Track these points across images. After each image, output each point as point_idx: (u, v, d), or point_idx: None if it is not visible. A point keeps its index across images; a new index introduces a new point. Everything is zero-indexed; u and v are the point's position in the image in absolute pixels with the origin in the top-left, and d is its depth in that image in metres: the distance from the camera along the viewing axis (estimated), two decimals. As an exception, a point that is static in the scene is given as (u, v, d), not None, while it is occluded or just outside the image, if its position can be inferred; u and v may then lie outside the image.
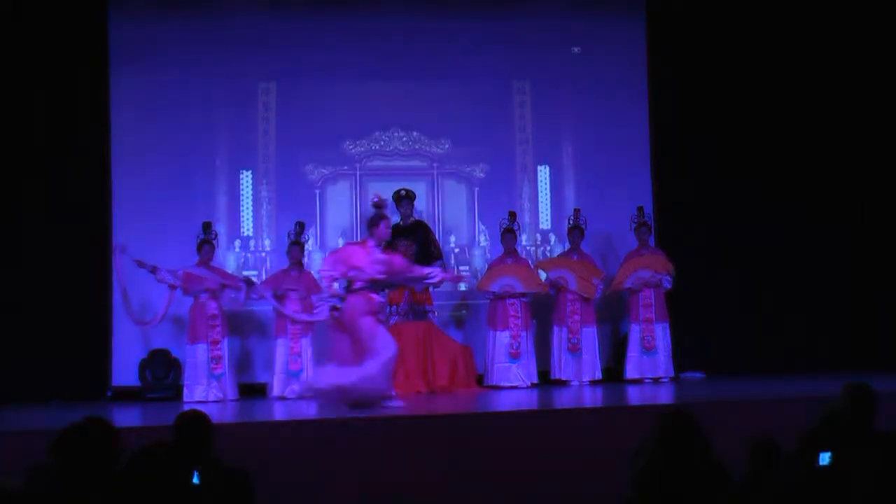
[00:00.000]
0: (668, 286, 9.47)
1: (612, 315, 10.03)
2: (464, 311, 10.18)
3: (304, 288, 9.07)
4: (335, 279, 7.54)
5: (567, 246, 9.75)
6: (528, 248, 10.26)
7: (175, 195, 9.73)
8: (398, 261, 7.56)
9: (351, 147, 10.18)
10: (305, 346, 9.00)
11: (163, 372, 9.32)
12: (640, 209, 9.64)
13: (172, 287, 8.84)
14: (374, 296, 7.42)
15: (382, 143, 10.24)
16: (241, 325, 9.55)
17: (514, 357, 9.25)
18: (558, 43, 10.39)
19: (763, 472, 3.63)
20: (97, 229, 9.54)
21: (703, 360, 9.88)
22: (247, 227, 9.99)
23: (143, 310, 9.10)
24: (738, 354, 9.93)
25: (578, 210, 9.71)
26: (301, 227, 9.24)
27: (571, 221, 9.67)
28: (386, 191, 9.85)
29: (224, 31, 9.94)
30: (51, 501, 2.87)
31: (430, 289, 9.35)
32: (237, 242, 9.95)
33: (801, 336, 10.01)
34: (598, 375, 9.43)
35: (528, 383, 9.20)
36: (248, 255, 9.97)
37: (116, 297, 9.36)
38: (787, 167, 10.26)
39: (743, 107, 10.26)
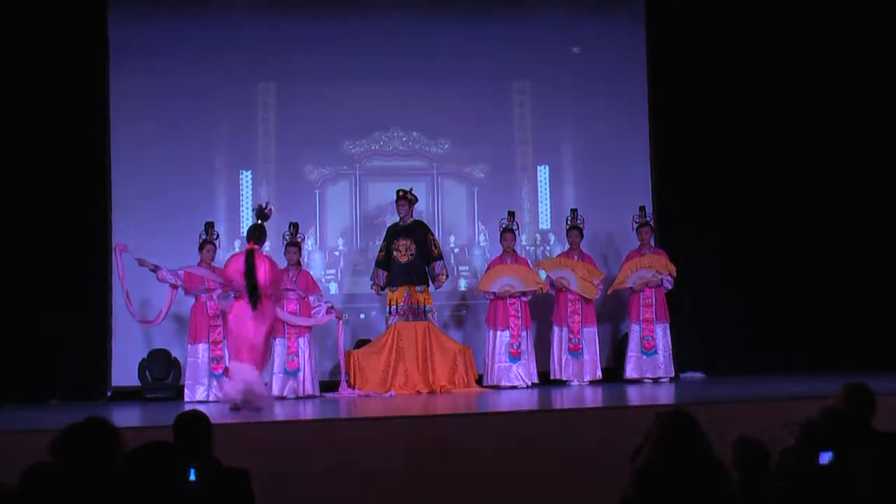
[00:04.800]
0: (669, 286, 9.47)
1: (612, 315, 10.03)
2: (464, 311, 10.18)
3: (302, 288, 9.07)
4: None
5: (567, 246, 9.75)
6: (527, 247, 10.25)
7: (175, 195, 9.73)
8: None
9: (351, 147, 10.18)
10: (303, 346, 9.00)
11: (163, 372, 9.33)
12: (642, 209, 9.64)
13: (174, 287, 8.84)
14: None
15: (382, 143, 10.24)
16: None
17: (515, 357, 9.26)
18: (558, 43, 10.39)
19: (752, 475, 3.63)
20: (97, 229, 9.54)
21: (703, 360, 9.88)
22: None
23: (145, 309, 9.10)
24: (738, 354, 9.93)
25: (576, 210, 9.70)
26: (295, 228, 9.23)
27: (569, 222, 9.66)
28: (386, 191, 9.89)
29: (224, 32, 9.95)
30: (50, 501, 2.87)
31: (431, 289, 9.38)
32: (237, 242, 9.94)
33: (800, 336, 10.00)
34: (599, 375, 9.43)
35: (528, 383, 9.20)
36: (248, 255, 9.95)
37: (116, 297, 9.36)
38: (788, 166, 10.26)
39: (743, 106, 10.26)
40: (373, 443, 6.40)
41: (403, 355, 9.03)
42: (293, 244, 9.17)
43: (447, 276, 9.52)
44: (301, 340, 9.01)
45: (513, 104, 10.41)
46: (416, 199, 9.50)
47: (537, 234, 10.36)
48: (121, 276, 8.72)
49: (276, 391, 8.91)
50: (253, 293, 7.73)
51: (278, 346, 8.98)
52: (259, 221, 8.15)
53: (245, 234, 8.40)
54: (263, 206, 8.29)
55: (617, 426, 6.40)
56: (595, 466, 6.09)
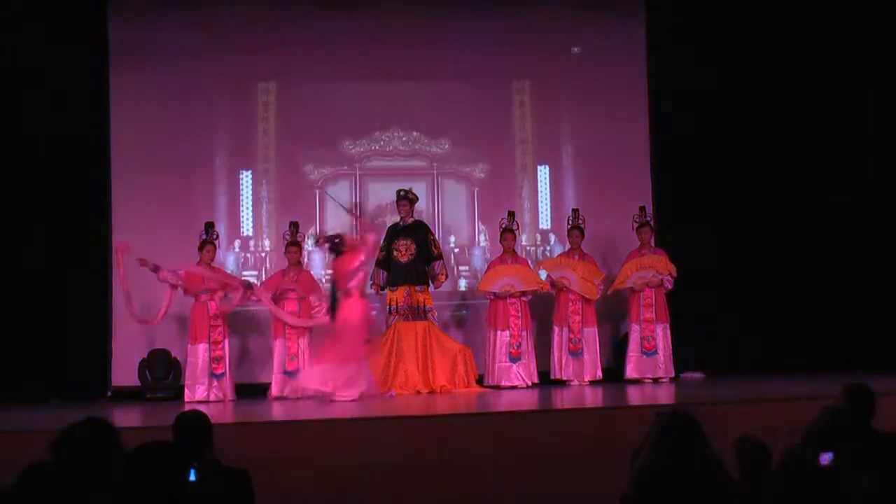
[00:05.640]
0: (669, 286, 9.47)
1: (613, 315, 10.02)
2: (464, 311, 10.18)
3: (303, 289, 9.06)
4: None
5: (567, 246, 9.75)
6: (527, 248, 10.25)
7: (175, 195, 9.73)
8: None
9: (351, 147, 10.18)
10: (303, 347, 8.99)
11: (163, 372, 9.32)
12: (643, 209, 9.64)
13: (174, 287, 8.84)
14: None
15: (382, 143, 10.24)
16: (240, 326, 9.55)
17: (515, 357, 9.25)
18: (558, 43, 10.39)
19: (753, 475, 3.64)
20: (97, 229, 9.54)
21: (703, 360, 9.87)
22: (247, 227, 9.99)
23: (144, 309, 9.09)
24: (738, 354, 9.93)
25: (577, 210, 9.71)
26: (295, 228, 9.23)
27: (570, 222, 9.66)
28: (386, 191, 9.89)
29: (224, 31, 9.94)
30: (49, 501, 2.87)
31: (431, 289, 9.37)
32: (237, 242, 9.95)
33: (801, 336, 10.00)
34: (599, 375, 9.43)
35: (529, 383, 9.20)
36: (248, 255, 9.97)
37: (116, 297, 9.37)
38: (788, 166, 10.26)
39: (743, 106, 10.26)
40: (373, 443, 6.39)
41: (403, 355, 9.03)
42: (293, 244, 9.16)
43: (447, 276, 9.53)
44: (301, 341, 9.00)
45: (513, 104, 10.40)
46: (417, 199, 9.51)
47: (537, 234, 10.35)
48: (122, 276, 8.73)
49: (275, 391, 8.92)
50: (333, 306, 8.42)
51: (278, 347, 9.00)
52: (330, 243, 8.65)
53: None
54: (329, 237, 8.75)
55: (617, 426, 6.40)
56: (595, 466, 6.09)
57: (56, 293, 9.28)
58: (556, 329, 9.49)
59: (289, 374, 8.93)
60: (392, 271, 9.30)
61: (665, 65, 10.34)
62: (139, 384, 9.29)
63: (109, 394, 9.47)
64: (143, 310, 9.03)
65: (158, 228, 9.53)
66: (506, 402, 8.23)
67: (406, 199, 9.40)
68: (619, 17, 10.46)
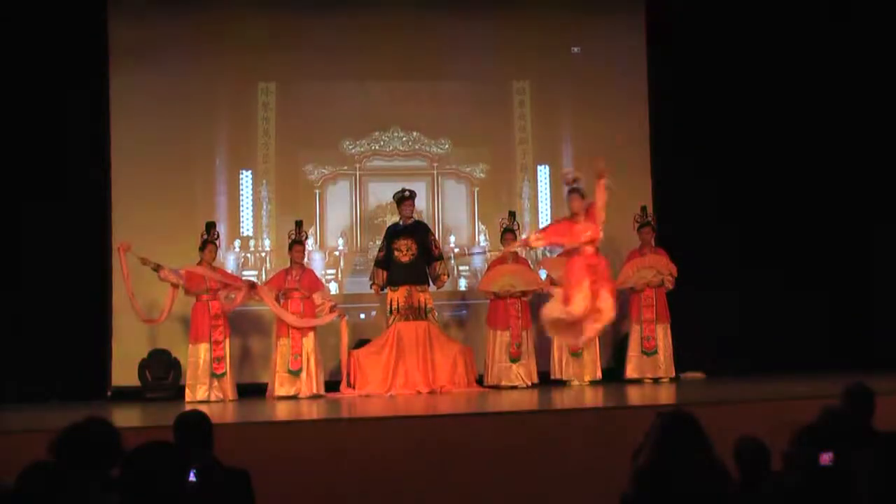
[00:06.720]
0: (671, 286, 9.47)
1: (613, 315, 10.00)
2: (464, 311, 10.18)
3: (306, 288, 9.06)
4: None
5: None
6: (528, 247, 10.24)
7: (175, 195, 9.73)
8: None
9: (351, 147, 10.18)
10: (307, 346, 8.98)
11: (163, 372, 9.32)
12: (644, 209, 9.64)
13: (175, 286, 8.84)
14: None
15: (382, 143, 10.24)
16: (241, 325, 9.55)
17: (515, 357, 9.25)
18: (558, 43, 10.39)
19: (753, 475, 3.64)
20: (97, 229, 9.54)
21: (703, 360, 9.87)
22: (247, 227, 9.99)
23: (147, 308, 9.09)
24: (738, 354, 9.92)
25: (577, 211, 9.70)
26: (300, 226, 9.23)
27: (571, 222, 9.65)
28: (386, 191, 9.90)
29: (224, 31, 9.94)
30: (49, 501, 2.87)
31: (431, 288, 9.37)
32: (237, 242, 9.94)
33: (801, 336, 9.99)
34: (599, 375, 9.42)
35: (529, 383, 9.20)
36: (248, 255, 9.97)
37: (116, 297, 9.37)
38: (788, 166, 10.26)
39: (743, 106, 10.26)
40: (373, 443, 6.40)
41: (404, 355, 9.03)
42: (298, 242, 9.16)
43: (448, 276, 9.53)
44: (304, 340, 9.00)
45: (513, 104, 10.40)
46: (416, 194, 9.52)
47: (538, 235, 10.33)
48: (125, 276, 8.73)
49: (278, 391, 8.92)
50: None
51: (282, 346, 9.00)
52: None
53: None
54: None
55: (617, 426, 6.40)
56: (595, 466, 6.10)
57: (56, 293, 9.28)
58: (556, 329, 9.48)
59: (293, 373, 8.93)
60: (393, 271, 9.30)
61: (665, 65, 10.34)
62: (139, 384, 9.29)
63: (109, 394, 9.46)
64: (146, 308, 9.04)
65: (158, 228, 9.53)
66: (506, 402, 8.22)
67: (411, 198, 9.40)
68: (619, 17, 10.46)
